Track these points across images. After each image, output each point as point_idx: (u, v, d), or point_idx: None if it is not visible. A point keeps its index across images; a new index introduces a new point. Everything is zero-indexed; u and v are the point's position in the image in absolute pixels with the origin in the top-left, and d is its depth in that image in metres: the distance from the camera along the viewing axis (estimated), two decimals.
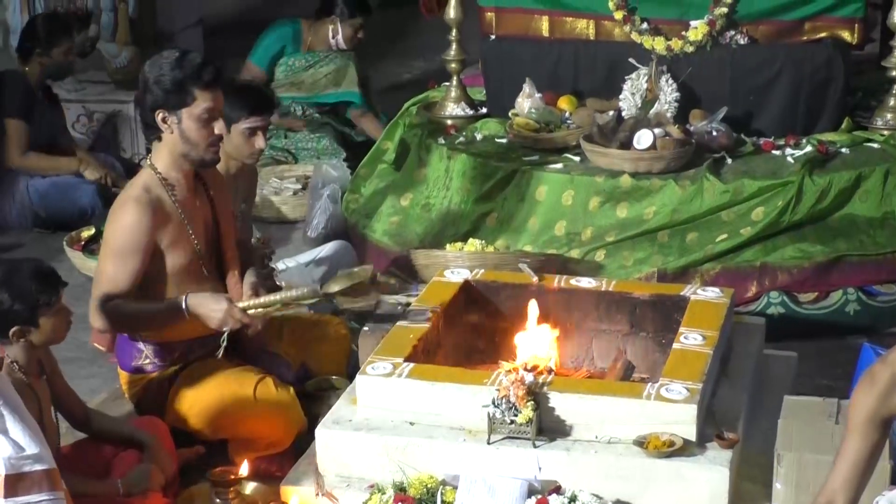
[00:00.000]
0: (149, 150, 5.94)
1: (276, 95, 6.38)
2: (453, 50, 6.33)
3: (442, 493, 3.61)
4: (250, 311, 4.08)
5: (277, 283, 4.82)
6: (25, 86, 6.71)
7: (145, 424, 4.04)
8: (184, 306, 4.05)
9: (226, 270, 4.31)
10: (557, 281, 4.47)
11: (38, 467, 3.18)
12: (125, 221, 4.04)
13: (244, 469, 3.94)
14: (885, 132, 5.76)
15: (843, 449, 2.89)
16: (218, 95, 4.09)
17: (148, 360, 4.22)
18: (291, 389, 4.22)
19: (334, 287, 4.14)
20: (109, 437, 3.93)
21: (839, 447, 2.91)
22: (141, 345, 4.21)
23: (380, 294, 4.77)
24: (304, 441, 4.13)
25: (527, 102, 5.99)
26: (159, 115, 4.05)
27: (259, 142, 4.63)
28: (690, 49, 5.82)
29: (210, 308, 4.05)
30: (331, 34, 7.56)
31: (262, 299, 4.12)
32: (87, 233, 6.23)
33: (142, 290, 4.11)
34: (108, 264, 4.08)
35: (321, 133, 7.34)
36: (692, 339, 3.97)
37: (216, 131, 4.09)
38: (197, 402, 4.16)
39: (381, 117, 7.49)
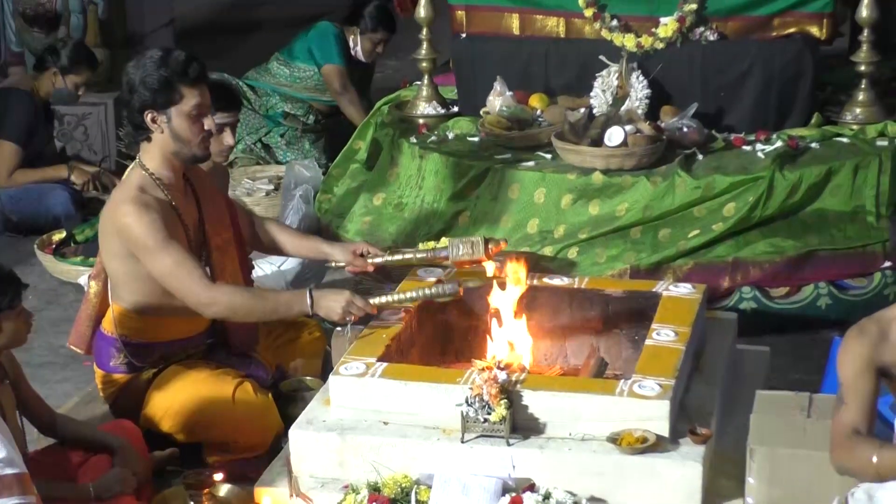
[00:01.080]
0: (120, 152, 5.93)
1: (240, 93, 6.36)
2: (424, 49, 6.32)
3: (416, 493, 3.61)
4: (377, 302, 4.16)
5: None
6: (30, 108, 6.70)
7: (115, 428, 4.02)
8: (309, 307, 4.09)
9: (217, 266, 4.27)
10: (531, 278, 4.47)
11: (8, 471, 3.16)
12: (135, 221, 4.01)
13: (219, 473, 3.93)
14: (855, 127, 5.78)
15: (843, 407, 2.92)
16: (204, 91, 4.11)
17: (126, 361, 4.21)
18: (270, 394, 4.22)
19: (472, 283, 4.33)
20: (78, 442, 3.90)
21: (835, 413, 2.93)
22: (119, 345, 4.20)
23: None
24: (279, 444, 4.12)
25: (498, 100, 5.99)
26: (148, 116, 4.05)
27: (228, 138, 4.64)
28: (660, 46, 5.84)
29: (330, 308, 4.09)
30: (351, 44, 7.46)
31: (398, 296, 4.20)
32: (59, 236, 6.21)
33: (138, 287, 4.10)
34: (165, 259, 4.00)
35: (306, 138, 7.32)
36: (664, 335, 3.98)
37: (206, 126, 4.11)
38: (174, 404, 4.15)
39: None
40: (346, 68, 7.36)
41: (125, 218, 4.02)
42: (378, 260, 4.54)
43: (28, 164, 6.75)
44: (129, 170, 4.22)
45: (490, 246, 4.46)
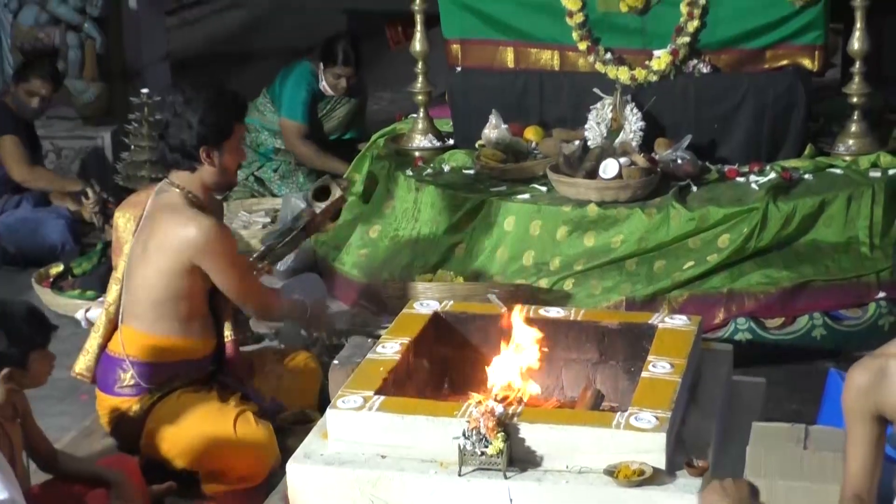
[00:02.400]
0: (117, 186, 6.00)
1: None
2: (420, 82, 6.36)
3: None
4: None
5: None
6: (8, 115, 6.73)
7: (114, 462, 4.03)
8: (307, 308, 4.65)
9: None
10: (526, 311, 4.48)
11: None
12: (215, 235, 4.20)
13: None
14: (847, 158, 5.82)
15: (849, 443, 2.91)
16: (244, 123, 4.41)
17: (132, 382, 4.25)
18: (269, 424, 4.24)
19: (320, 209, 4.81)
20: (77, 478, 3.92)
21: (846, 445, 2.93)
22: (126, 365, 4.23)
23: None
24: (275, 475, 4.13)
25: (493, 133, 6.03)
26: (204, 151, 4.23)
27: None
28: (654, 78, 5.88)
29: (322, 317, 4.88)
30: (321, 79, 7.48)
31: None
32: (56, 269, 6.22)
33: (171, 306, 4.24)
34: (240, 268, 4.36)
35: (299, 171, 7.34)
36: (660, 367, 3.99)
37: (243, 157, 4.42)
38: (176, 431, 4.19)
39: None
40: (306, 125, 7.32)
41: (206, 231, 4.17)
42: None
43: (16, 190, 6.78)
44: (153, 191, 4.33)
45: (343, 183, 4.91)
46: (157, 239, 4.22)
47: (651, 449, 3.62)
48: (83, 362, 4.44)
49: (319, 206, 4.85)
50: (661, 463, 3.63)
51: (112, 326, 4.35)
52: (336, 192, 4.84)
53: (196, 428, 4.17)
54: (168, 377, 4.27)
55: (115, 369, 4.25)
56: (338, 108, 7.48)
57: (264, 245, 4.92)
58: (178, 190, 4.27)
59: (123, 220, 4.37)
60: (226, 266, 4.24)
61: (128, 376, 4.24)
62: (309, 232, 4.95)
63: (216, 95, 4.26)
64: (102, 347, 4.37)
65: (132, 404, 4.26)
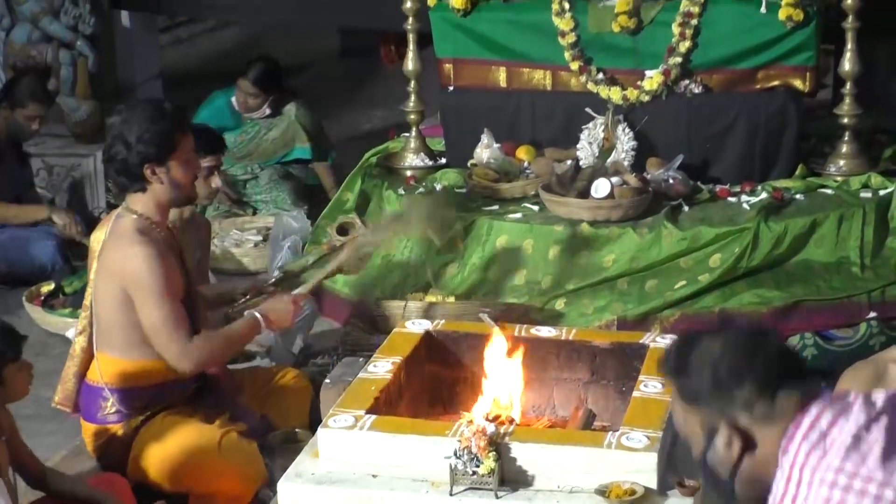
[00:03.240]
0: (109, 203, 5.97)
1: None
2: (412, 101, 6.38)
3: None
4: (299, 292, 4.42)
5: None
6: None
7: (104, 482, 4.01)
8: (262, 324, 4.28)
9: (196, 302, 4.35)
10: (518, 330, 4.49)
11: None
12: (143, 266, 4.04)
13: None
14: (839, 178, 5.84)
15: None
16: (192, 136, 4.21)
17: (114, 409, 4.21)
18: (255, 443, 4.22)
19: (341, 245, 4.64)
20: (67, 497, 3.90)
21: None
22: (106, 393, 4.20)
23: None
24: (266, 495, 4.12)
25: (485, 153, 6.04)
26: (148, 169, 4.09)
27: (215, 181, 4.76)
28: (646, 98, 5.90)
29: (281, 312, 4.33)
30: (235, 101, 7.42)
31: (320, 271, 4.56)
32: (47, 288, 6.21)
33: (132, 333, 4.13)
34: (159, 311, 4.04)
35: (279, 188, 7.33)
36: (652, 387, 3.99)
37: (195, 169, 4.25)
38: (161, 453, 4.15)
39: (330, 161, 7.49)
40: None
41: (133, 260, 4.05)
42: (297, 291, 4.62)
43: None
44: (111, 219, 4.24)
45: (367, 223, 4.86)
46: (104, 267, 4.16)
47: (642, 469, 3.62)
48: (61, 392, 4.42)
49: (340, 241, 4.72)
50: (652, 483, 3.62)
51: (87, 354, 4.31)
52: (357, 228, 4.72)
53: (181, 451, 4.13)
54: (150, 401, 4.22)
55: (97, 399, 4.22)
56: (264, 132, 7.41)
57: (279, 271, 4.84)
58: (131, 215, 4.14)
59: (96, 242, 4.33)
60: (146, 299, 4.05)
61: (108, 404, 4.20)
62: (331, 270, 4.72)
63: (153, 110, 4.11)
64: (80, 375, 4.32)
65: (117, 430, 4.22)
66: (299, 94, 7.69)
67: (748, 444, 2.40)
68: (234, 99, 7.42)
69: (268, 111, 7.43)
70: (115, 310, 4.13)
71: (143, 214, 4.14)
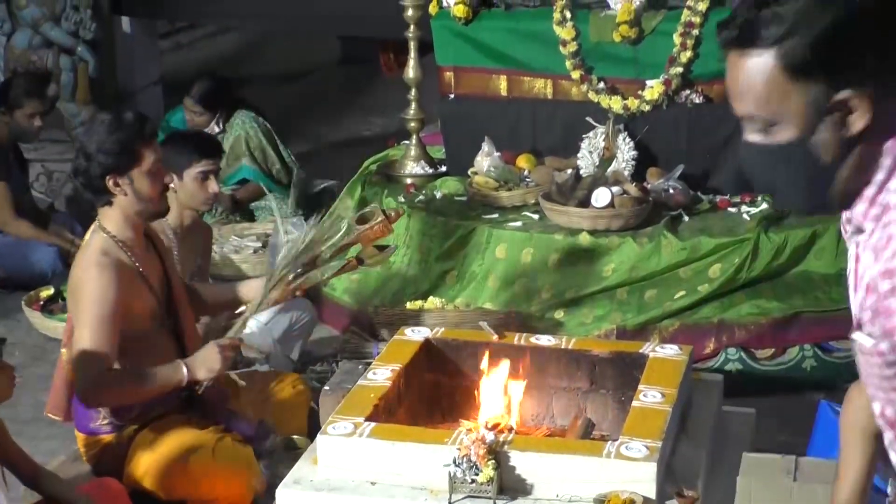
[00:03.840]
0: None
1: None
2: (412, 109, 6.38)
3: None
4: (232, 332, 4.17)
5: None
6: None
7: (100, 488, 3.99)
8: (185, 374, 4.02)
9: (183, 322, 4.28)
10: (517, 338, 4.48)
11: None
12: (92, 288, 3.97)
13: None
14: None
15: (842, 464, 2.87)
16: (157, 146, 4.11)
17: (106, 421, 4.19)
18: (250, 448, 4.21)
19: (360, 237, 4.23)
20: (56, 500, 3.88)
21: (839, 467, 2.90)
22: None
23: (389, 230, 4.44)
24: (264, 502, 4.11)
25: (486, 161, 6.04)
26: (110, 181, 4.02)
27: (213, 186, 4.67)
28: (647, 108, 5.90)
29: (208, 362, 4.04)
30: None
31: (243, 317, 4.21)
32: (46, 293, 6.21)
33: (124, 342, 4.08)
34: (87, 335, 3.95)
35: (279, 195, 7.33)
36: (651, 396, 3.99)
37: (165, 181, 4.12)
38: (156, 461, 4.13)
39: (271, 187, 7.30)
40: None
41: (88, 281, 3.99)
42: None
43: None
44: (88, 234, 4.19)
45: (391, 213, 4.38)
46: (69, 282, 4.15)
47: (641, 479, 3.61)
48: (52, 400, 4.41)
49: (357, 230, 4.38)
50: (651, 493, 3.62)
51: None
52: (377, 218, 4.33)
53: (175, 457, 4.09)
54: (142, 411, 4.19)
55: (88, 411, 4.20)
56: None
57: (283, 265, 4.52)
58: (101, 234, 4.08)
59: None
60: (80, 317, 3.97)
61: (101, 415, 4.18)
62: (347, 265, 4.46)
63: (112, 120, 4.02)
64: (69, 385, 4.31)
65: (110, 439, 4.20)
66: (251, 106, 7.53)
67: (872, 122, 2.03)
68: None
69: (217, 129, 7.30)
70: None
71: (111, 233, 4.08)
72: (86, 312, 3.98)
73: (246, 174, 7.31)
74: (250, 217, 7.31)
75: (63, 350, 4.36)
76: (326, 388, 4.55)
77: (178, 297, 4.31)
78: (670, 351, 4.36)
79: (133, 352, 4.09)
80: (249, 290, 4.47)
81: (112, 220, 4.10)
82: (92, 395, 4.03)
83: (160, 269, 4.25)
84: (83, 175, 4.06)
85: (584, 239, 5.54)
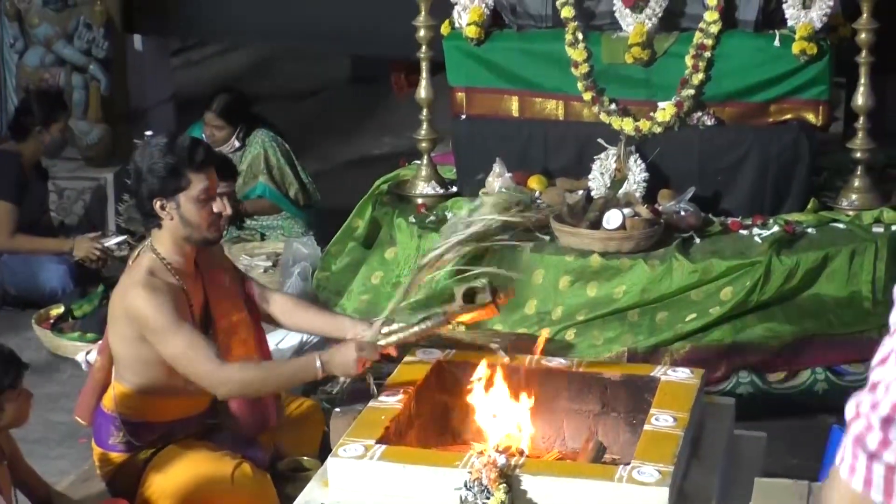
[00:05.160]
0: (119, 227, 5.95)
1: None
2: (424, 129, 6.38)
3: None
4: (383, 342, 4.15)
5: None
6: (18, 167, 6.68)
7: None
8: (318, 366, 4.06)
9: (220, 348, 4.20)
10: (528, 360, 4.47)
11: None
12: (145, 306, 3.99)
13: None
14: (851, 212, 5.83)
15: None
16: (212, 174, 4.11)
17: (125, 440, 4.19)
18: (268, 476, 4.20)
19: (456, 308, 4.17)
20: None
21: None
22: (119, 423, 4.18)
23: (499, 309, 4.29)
24: None
25: (497, 181, 6.04)
26: (157, 203, 4.06)
27: (225, 207, 4.65)
28: (658, 130, 5.89)
29: (345, 365, 4.08)
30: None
31: (397, 336, 4.18)
32: (56, 311, 6.21)
33: (144, 369, 4.09)
34: (175, 341, 3.98)
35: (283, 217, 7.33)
36: (663, 420, 3.97)
37: (215, 210, 4.12)
38: (171, 484, 4.12)
39: (282, 202, 7.33)
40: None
41: (136, 300, 4.02)
42: (393, 338, 4.25)
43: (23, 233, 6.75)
44: (137, 254, 4.22)
45: (500, 294, 4.23)
46: (113, 299, 4.16)
47: (654, 503, 3.60)
48: (80, 404, 4.41)
49: (462, 308, 4.22)
50: None
51: (104, 373, 4.29)
52: (485, 300, 4.16)
53: (192, 482, 4.09)
54: (161, 435, 4.20)
55: (109, 426, 4.20)
56: (239, 164, 7.21)
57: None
58: (150, 254, 4.12)
59: None
60: (159, 334, 3.99)
61: (120, 434, 4.18)
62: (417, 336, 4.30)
63: (167, 145, 4.05)
64: (98, 391, 4.30)
65: (126, 459, 4.20)
66: (270, 124, 7.54)
67: None
68: (203, 134, 7.33)
69: (237, 143, 7.32)
70: (128, 346, 4.11)
71: (160, 255, 4.11)
72: (158, 332, 3.99)
73: (261, 191, 7.32)
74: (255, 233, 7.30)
75: (99, 357, 4.36)
76: (337, 409, 4.54)
77: (220, 326, 4.26)
78: (682, 374, 4.35)
79: (164, 373, 4.08)
80: (356, 332, 4.30)
81: (162, 242, 4.13)
82: (222, 391, 4.05)
83: (202, 297, 4.25)
84: (134, 195, 4.12)
85: (595, 261, 5.53)
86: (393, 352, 4.22)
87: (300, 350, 5.49)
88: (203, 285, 4.26)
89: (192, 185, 4.05)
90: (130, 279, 4.09)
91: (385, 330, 4.19)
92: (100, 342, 4.50)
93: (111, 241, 6.71)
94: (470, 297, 4.19)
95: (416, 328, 4.20)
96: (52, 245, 6.73)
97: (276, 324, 4.59)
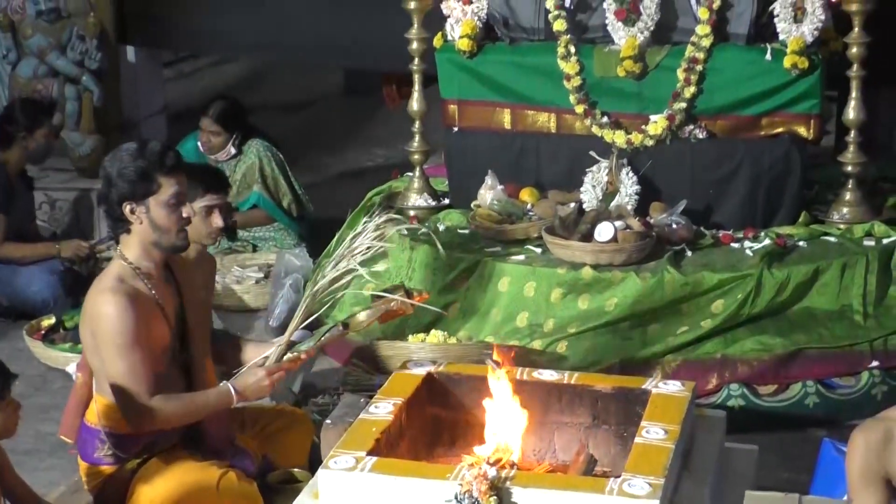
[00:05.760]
0: (111, 237, 5.90)
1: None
2: (416, 141, 6.39)
3: None
4: (285, 359, 4.21)
5: None
6: (4, 176, 6.67)
7: None
8: (233, 393, 4.11)
9: (195, 356, 4.27)
10: (520, 373, 4.47)
11: None
12: (111, 314, 3.98)
13: None
14: (842, 226, 5.84)
15: None
16: (182, 179, 4.11)
17: (109, 453, 4.18)
18: (255, 485, 4.19)
19: (362, 317, 4.28)
20: None
21: None
22: (103, 436, 4.17)
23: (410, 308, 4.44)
24: None
25: (489, 194, 6.05)
26: (127, 208, 4.04)
27: (217, 220, 4.66)
28: (650, 143, 5.91)
29: (255, 386, 4.14)
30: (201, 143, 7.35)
31: (291, 354, 4.24)
32: (48, 322, 6.19)
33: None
34: (120, 362, 3.97)
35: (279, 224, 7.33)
36: (654, 433, 3.97)
37: (184, 215, 4.11)
38: (159, 494, 4.11)
39: (277, 212, 7.33)
40: None
41: (103, 307, 4.00)
42: (304, 346, 4.35)
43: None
44: (111, 262, 4.21)
45: (414, 295, 4.39)
46: (83, 309, 4.15)
47: None
48: (64, 423, 4.41)
49: (376, 305, 4.42)
50: None
51: (86, 390, 4.27)
52: (397, 294, 4.36)
53: (179, 492, 4.08)
54: (146, 445, 4.19)
55: (94, 440, 4.19)
56: (233, 174, 7.26)
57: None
58: (120, 261, 4.10)
59: None
60: (107, 348, 3.98)
61: (105, 447, 4.17)
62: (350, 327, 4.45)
63: (137, 149, 4.04)
64: (81, 408, 4.29)
65: (113, 471, 4.19)
66: (265, 134, 7.54)
67: None
68: (199, 142, 7.36)
69: (233, 150, 7.31)
70: (92, 355, 4.11)
71: (129, 261, 4.10)
72: (109, 344, 3.99)
73: (255, 200, 7.31)
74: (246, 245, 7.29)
75: (79, 374, 4.35)
76: (328, 421, 4.54)
77: (194, 333, 4.29)
78: (673, 387, 4.35)
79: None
80: (256, 354, 4.42)
81: (131, 248, 4.11)
82: (140, 424, 4.04)
83: (177, 303, 4.25)
84: (104, 200, 4.09)
85: (587, 273, 5.53)
86: (299, 363, 4.30)
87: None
88: (178, 291, 4.26)
89: (162, 188, 4.04)
90: (100, 286, 4.08)
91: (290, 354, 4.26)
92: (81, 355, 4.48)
93: (98, 241, 6.74)
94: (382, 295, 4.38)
95: (321, 340, 4.28)
96: (41, 250, 6.73)
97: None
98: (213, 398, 4.14)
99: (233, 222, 7.17)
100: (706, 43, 5.82)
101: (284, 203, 7.35)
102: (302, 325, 4.29)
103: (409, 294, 4.36)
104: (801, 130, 5.89)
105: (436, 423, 4.47)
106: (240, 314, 6.66)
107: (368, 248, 4.26)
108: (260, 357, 4.29)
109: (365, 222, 4.32)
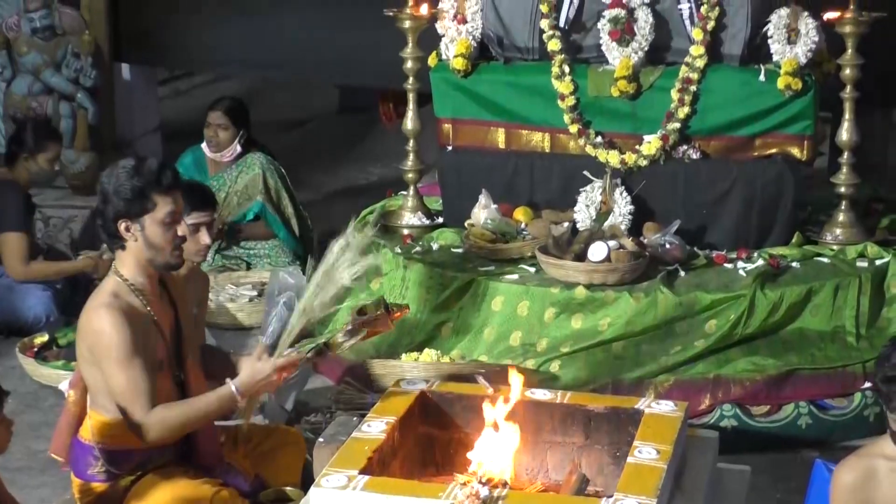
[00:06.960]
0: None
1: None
2: (410, 160, 6.40)
3: None
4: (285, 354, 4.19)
5: None
6: (22, 195, 6.68)
7: None
8: (235, 392, 4.08)
9: (186, 370, 4.26)
10: (512, 391, 4.47)
11: None
12: (107, 328, 3.98)
13: None
14: (835, 247, 5.85)
15: None
16: (178, 198, 4.11)
17: (102, 469, 4.17)
18: (248, 502, 4.18)
19: (340, 339, 4.25)
20: None
21: None
22: (97, 452, 4.17)
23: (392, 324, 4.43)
24: None
25: (483, 213, 6.05)
26: (122, 225, 4.05)
27: (204, 237, 4.65)
28: (644, 163, 5.92)
29: (259, 381, 4.10)
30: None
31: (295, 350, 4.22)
32: (40, 339, 6.19)
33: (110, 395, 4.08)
34: (120, 376, 3.98)
35: (275, 241, 7.34)
36: (646, 453, 3.97)
37: (179, 233, 4.11)
38: None
39: (275, 223, 7.34)
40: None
41: (98, 322, 4.01)
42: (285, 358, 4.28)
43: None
44: (106, 278, 4.22)
45: (393, 310, 4.37)
46: (79, 324, 4.15)
47: None
48: (56, 441, 4.38)
49: (356, 321, 4.35)
50: None
51: (79, 408, 4.26)
52: (378, 311, 4.32)
53: None
54: (140, 462, 4.18)
55: (87, 456, 4.18)
56: (230, 186, 7.29)
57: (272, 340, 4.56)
58: (115, 277, 4.11)
59: None
60: (107, 362, 3.99)
61: (99, 463, 4.16)
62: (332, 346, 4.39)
63: (134, 167, 4.04)
64: (73, 426, 4.27)
65: (106, 488, 4.18)
66: (266, 148, 7.57)
67: None
68: (204, 146, 7.36)
69: (238, 149, 7.35)
70: (96, 370, 4.11)
71: (124, 277, 4.11)
72: (108, 359, 3.99)
73: (258, 210, 7.33)
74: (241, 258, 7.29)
75: (71, 391, 4.35)
76: (321, 439, 4.53)
77: (187, 349, 4.29)
78: (665, 407, 4.35)
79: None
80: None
81: (126, 265, 4.12)
82: (146, 435, 4.03)
83: (172, 318, 4.25)
84: (100, 216, 4.10)
85: (580, 293, 5.54)
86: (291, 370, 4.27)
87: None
88: (174, 307, 4.26)
89: (157, 207, 4.06)
90: (95, 302, 4.08)
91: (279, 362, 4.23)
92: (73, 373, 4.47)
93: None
94: (363, 313, 4.32)
95: (307, 354, 4.26)
96: (69, 267, 6.72)
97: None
98: (213, 399, 4.12)
99: (238, 231, 7.20)
100: (700, 63, 5.84)
101: (286, 216, 7.37)
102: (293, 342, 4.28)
103: (388, 309, 4.34)
104: (795, 151, 5.91)
105: (428, 442, 4.46)
106: (233, 332, 6.66)
107: (353, 263, 4.24)
108: (256, 351, 4.24)
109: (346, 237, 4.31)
